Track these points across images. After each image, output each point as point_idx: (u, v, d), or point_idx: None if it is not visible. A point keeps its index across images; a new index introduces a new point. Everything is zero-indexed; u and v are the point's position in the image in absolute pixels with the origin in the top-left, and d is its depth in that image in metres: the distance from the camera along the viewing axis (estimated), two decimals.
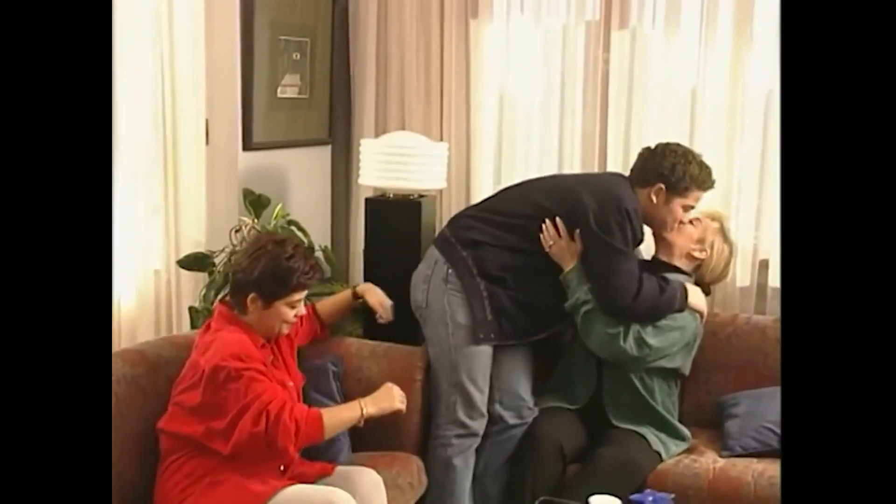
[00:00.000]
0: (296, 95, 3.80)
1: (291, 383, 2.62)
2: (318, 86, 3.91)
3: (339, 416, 2.52)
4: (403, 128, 3.85)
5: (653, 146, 3.03)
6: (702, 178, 2.96)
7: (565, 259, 2.93)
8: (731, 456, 2.95)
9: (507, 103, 3.81)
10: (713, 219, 3.16)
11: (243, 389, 2.38)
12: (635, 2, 3.55)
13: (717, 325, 3.23)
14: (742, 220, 3.51)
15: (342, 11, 3.97)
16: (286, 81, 3.73)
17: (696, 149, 3.52)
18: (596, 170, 3.71)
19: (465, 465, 2.94)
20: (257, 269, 2.51)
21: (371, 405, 2.56)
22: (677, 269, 3.09)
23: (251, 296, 2.52)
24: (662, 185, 2.93)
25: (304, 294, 2.58)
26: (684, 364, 3.06)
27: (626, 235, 2.87)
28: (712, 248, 3.12)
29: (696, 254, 3.11)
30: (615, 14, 3.58)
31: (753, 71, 3.44)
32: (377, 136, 3.83)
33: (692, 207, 3.01)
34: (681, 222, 3.08)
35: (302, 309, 2.60)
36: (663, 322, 2.93)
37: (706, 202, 3.19)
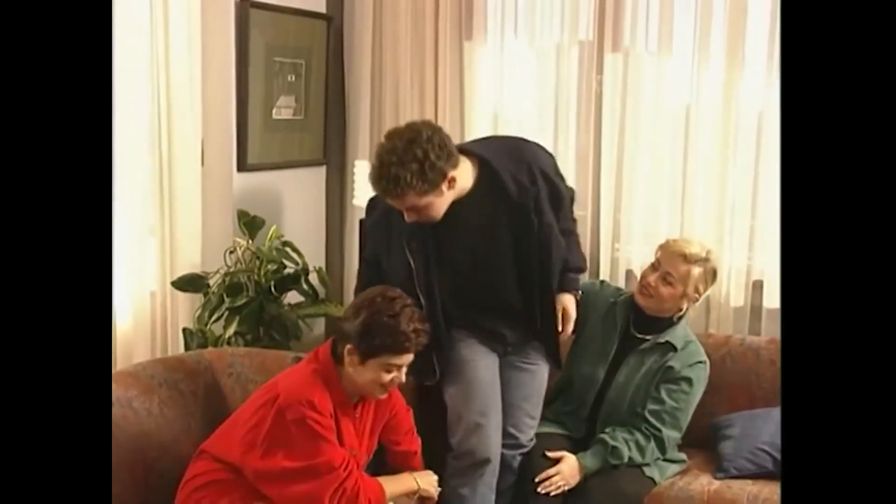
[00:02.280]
0: (291, 117, 3.82)
1: (355, 452, 2.48)
2: (312, 107, 3.92)
3: (395, 490, 2.53)
4: None
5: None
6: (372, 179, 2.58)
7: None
8: (725, 478, 2.94)
9: (502, 124, 3.82)
10: (685, 261, 2.90)
11: (305, 446, 2.33)
12: (628, 23, 3.58)
13: (711, 346, 3.22)
14: (735, 240, 3.52)
15: (337, 33, 3.99)
16: (281, 103, 3.75)
17: (689, 169, 3.57)
18: (590, 191, 3.72)
19: (472, 496, 2.81)
20: (359, 321, 2.38)
21: (424, 484, 2.62)
22: (670, 318, 2.99)
23: (348, 347, 2.39)
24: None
25: (404, 359, 2.42)
26: None
27: None
28: (697, 290, 2.95)
29: (684, 305, 2.97)
30: (608, 36, 3.60)
31: (746, 92, 3.46)
32: (372, 157, 3.84)
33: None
34: (651, 285, 2.93)
35: (401, 376, 2.44)
36: (684, 407, 2.92)
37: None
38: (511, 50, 3.77)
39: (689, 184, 3.58)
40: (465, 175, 2.64)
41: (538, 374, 2.92)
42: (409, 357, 2.44)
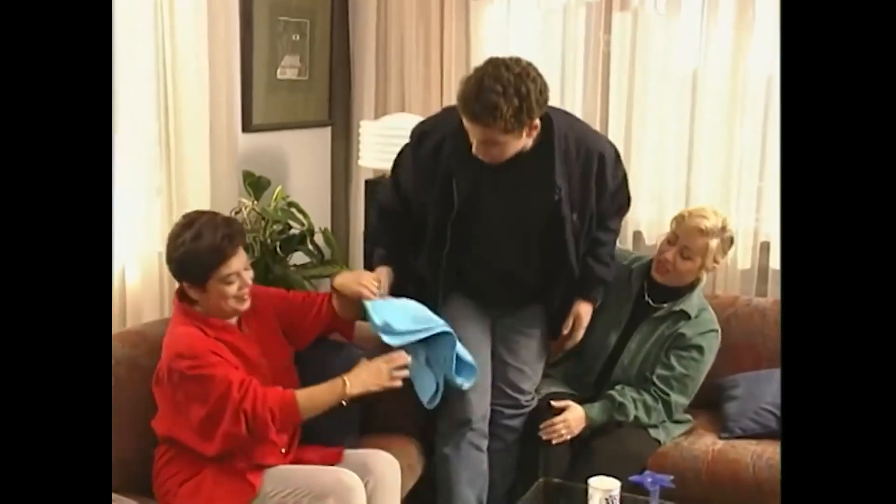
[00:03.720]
0: (295, 77, 3.79)
1: (262, 359, 2.54)
2: (317, 67, 3.89)
3: (318, 398, 2.42)
4: (403, 109, 3.84)
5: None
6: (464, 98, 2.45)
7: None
8: (729, 438, 2.95)
9: None
10: (703, 235, 2.86)
11: (202, 391, 2.36)
12: None
13: (717, 306, 3.21)
14: (743, 202, 3.51)
15: None
16: (286, 63, 3.72)
17: (697, 131, 3.54)
18: None
19: (455, 454, 2.84)
20: (173, 260, 2.45)
21: (357, 385, 2.44)
22: (688, 287, 2.96)
23: (184, 284, 2.48)
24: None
25: (233, 264, 2.43)
26: None
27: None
28: (717, 260, 2.93)
29: (703, 276, 2.98)
30: None
31: (755, 53, 3.43)
32: (377, 117, 3.82)
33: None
34: (668, 261, 2.90)
35: (247, 279, 2.47)
36: (694, 374, 2.92)
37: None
38: (518, 9, 3.73)
39: (697, 145, 3.57)
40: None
41: (537, 339, 2.93)
42: (238, 259, 2.44)
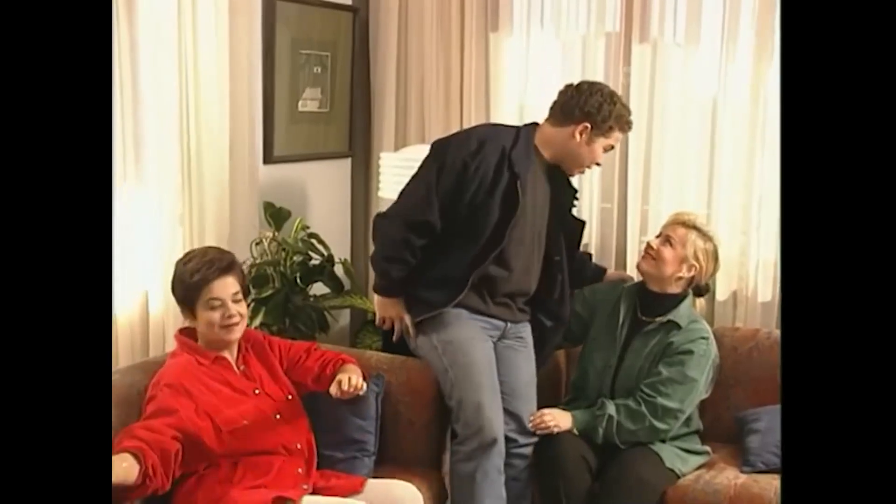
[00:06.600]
0: (316, 109, 3.83)
1: (258, 390, 2.59)
2: (338, 99, 3.93)
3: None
4: (423, 141, 3.86)
5: (576, 83, 2.94)
6: (626, 120, 2.91)
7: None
8: (752, 472, 2.91)
9: (528, 117, 3.79)
10: (684, 226, 3.02)
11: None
12: (656, 14, 3.55)
13: (738, 339, 3.20)
14: (763, 233, 3.49)
15: (363, 26, 3.99)
16: (307, 95, 3.76)
17: (717, 161, 3.54)
18: (616, 184, 3.70)
19: (483, 478, 2.82)
20: (171, 283, 2.62)
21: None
22: (674, 296, 3.01)
23: (182, 309, 2.59)
24: (588, 124, 2.85)
25: (215, 290, 2.52)
26: (708, 390, 3.04)
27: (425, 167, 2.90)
28: (698, 259, 2.99)
29: (685, 273, 3.00)
30: (636, 27, 3.57)
31: (775, 84, 3.42)
32: (397, 149, 3.84)
33: (612, 147, 2.96)
34: (652, 247, 3.01)
35: (229, 308, 2.53)
36: (681, 379, 2.91)
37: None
38: (537, 41, 3.75)
39: (717, 176, 3.55)
40: None
41: (531, 355, 3.02)
42: (223, 286, 2.53)
